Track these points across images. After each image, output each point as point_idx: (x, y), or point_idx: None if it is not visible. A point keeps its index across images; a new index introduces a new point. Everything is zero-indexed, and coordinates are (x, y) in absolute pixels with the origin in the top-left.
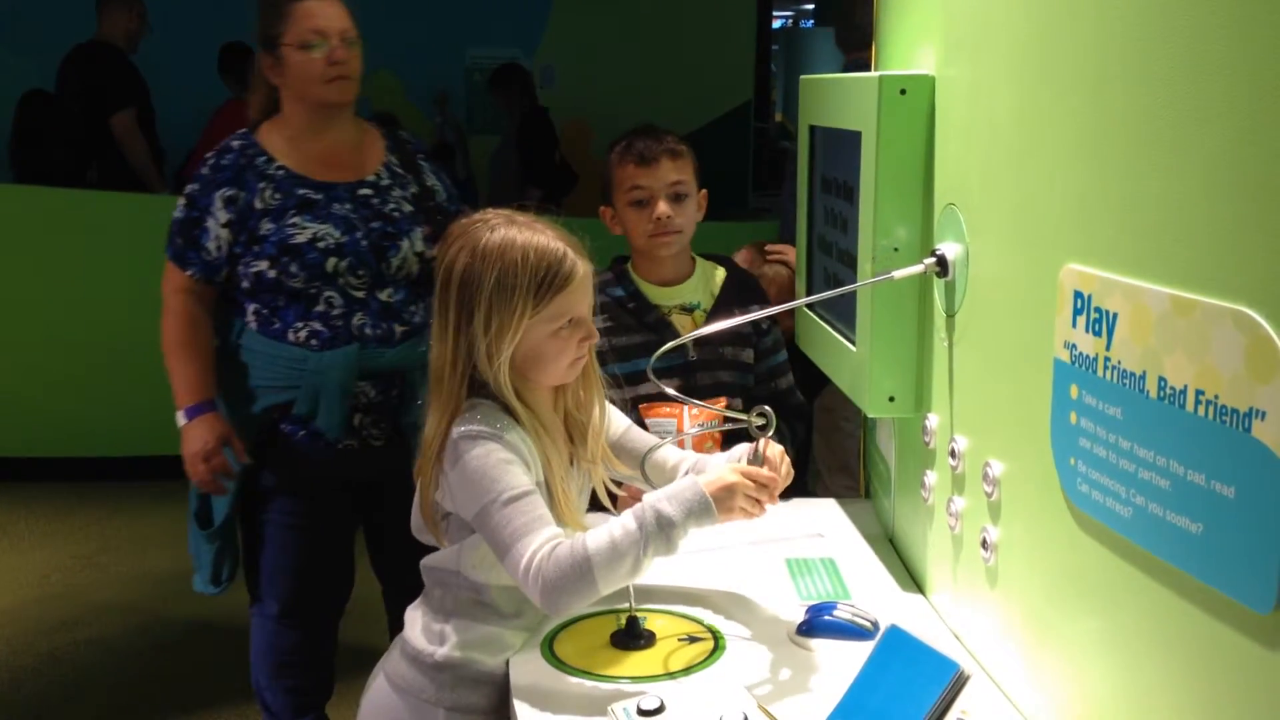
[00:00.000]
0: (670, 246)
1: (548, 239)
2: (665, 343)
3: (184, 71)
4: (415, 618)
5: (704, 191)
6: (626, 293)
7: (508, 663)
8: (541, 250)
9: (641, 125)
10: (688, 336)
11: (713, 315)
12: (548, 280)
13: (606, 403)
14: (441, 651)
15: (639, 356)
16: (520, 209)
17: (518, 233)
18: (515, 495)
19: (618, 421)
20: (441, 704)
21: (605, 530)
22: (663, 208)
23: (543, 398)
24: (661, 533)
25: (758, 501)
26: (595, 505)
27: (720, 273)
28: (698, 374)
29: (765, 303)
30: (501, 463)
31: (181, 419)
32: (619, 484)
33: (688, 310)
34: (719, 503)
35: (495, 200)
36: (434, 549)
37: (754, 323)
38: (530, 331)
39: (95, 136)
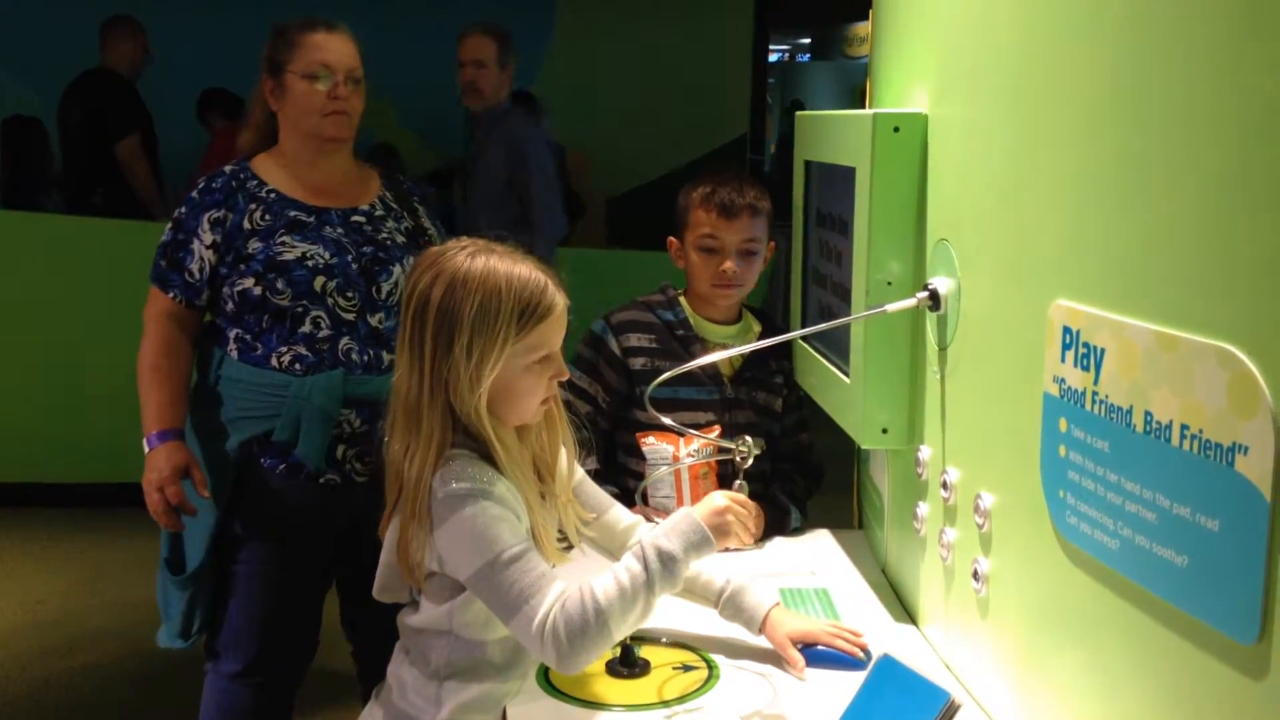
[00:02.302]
0: (729, 298)
1: (529, 269)
2: (705, 374)
3: (182, 101)
4: (402, 679)
5: (772, 244)
6: (676, 319)
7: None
8: (524, 279)
9: (729, 172)
10: (692, 364)
11: (746, 364)
12: (530, 309)
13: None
14: (440, 719)
15: (678, 382)
16: (498, 239)
17: (498, 262)
18: (515, 555)
19: (575, 471)
20: None
21: (611, 578)
22: (730, 265)
23: (512, 438)
24: (666, 569)
25: (745, 527)
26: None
27: (758, 328)
28: (733, 411)
29: (793, 361)
30: (495, 520)
31: (145, 446)
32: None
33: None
34: (715, 529)
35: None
36: (399, 606)
37: (784, 376)
38: (508, 363)
39: (100, 163)
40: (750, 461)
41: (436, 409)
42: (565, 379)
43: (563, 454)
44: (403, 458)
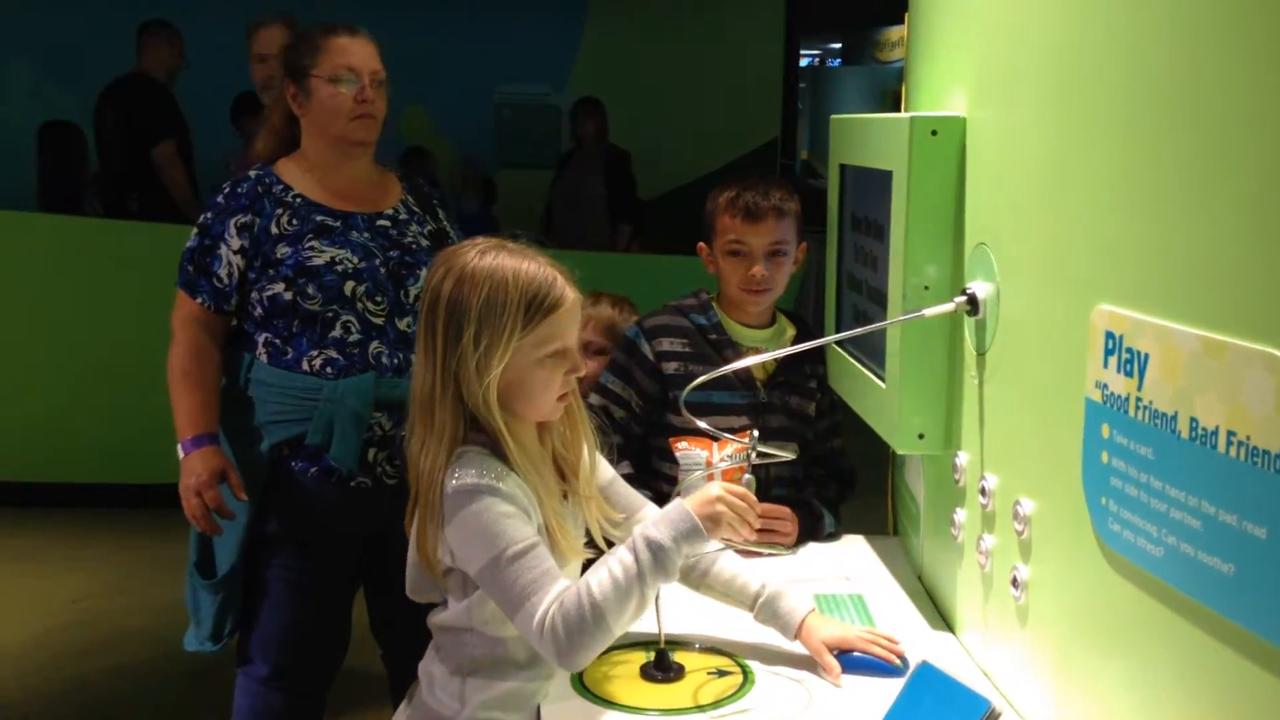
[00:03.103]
0: (759, 303)
1: (538, 265)
2: (738, 379)
3: (217, 106)
4: (431, 675)
5: (803, 245)
6: (710, 323)
7: (536, 713)
8: (531, 274)
9: (755, 175)
10: (727, 368)
11: (780, 368)
12: (537, 302)
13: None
14: (464, 715)
15: (711, 387)
16: (511, 237)
17: (507, 258)
18: (519, 551)
19: (604, 470)
20: None
21: (605, 572)
22: (758, 269)
23: (529, 434)
24: (655, 559)
25: (744, 520)
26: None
27: (792, 331)
28: (766, 415)
29: (826, 365)
30: (502, 517)
31: (180, 452)
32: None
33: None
34: (706, 519)
35: (591, 237)
36: (431, 605)
37: (818, 381)
38: (518, 355)
39: (136, 167)
40: (754, 455)
41: (447, 402)
42: (582, 374)
43: (586, 452)
44: (419, 452)
